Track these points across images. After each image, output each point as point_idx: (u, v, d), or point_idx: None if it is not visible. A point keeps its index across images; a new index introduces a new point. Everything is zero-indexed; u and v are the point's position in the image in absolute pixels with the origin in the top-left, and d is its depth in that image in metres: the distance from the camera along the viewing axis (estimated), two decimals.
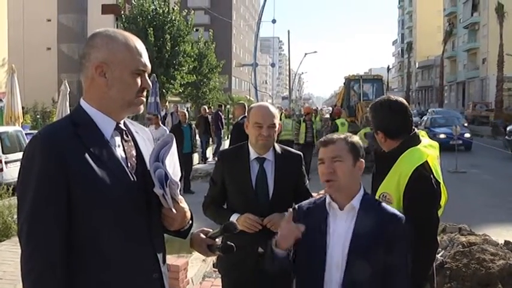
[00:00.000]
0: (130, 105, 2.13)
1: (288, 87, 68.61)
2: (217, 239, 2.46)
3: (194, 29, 35.72)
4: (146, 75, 2.17)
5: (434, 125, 27.88)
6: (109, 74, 2.07)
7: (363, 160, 2.68)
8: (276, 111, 3.65)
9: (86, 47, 2.11)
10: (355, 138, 2.71)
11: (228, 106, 38.87)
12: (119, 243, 2.03)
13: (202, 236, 2.44)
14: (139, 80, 2.13)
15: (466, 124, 30.79)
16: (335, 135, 2.72)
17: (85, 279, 1.99)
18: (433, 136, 22.67)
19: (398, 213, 2.67)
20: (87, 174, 1.96)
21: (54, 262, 1.91)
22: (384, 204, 2.72)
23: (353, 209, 2.61)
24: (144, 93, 2.18)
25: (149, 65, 2.18)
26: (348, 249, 2.54)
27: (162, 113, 21.26)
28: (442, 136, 23.81)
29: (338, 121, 19.22)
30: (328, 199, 2.67)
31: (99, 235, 2.00)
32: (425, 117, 33.06)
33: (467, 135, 25.83)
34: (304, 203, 2.89)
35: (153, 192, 2.10)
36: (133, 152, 2.18)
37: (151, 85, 2.21)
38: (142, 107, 2.19)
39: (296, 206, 2.86)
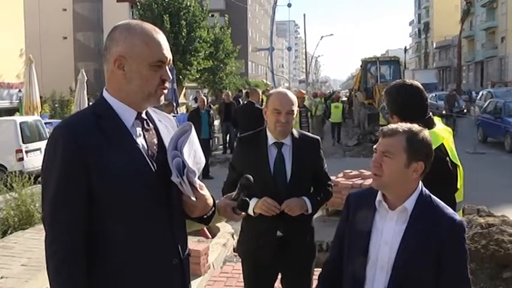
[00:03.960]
0: (150, 98, 2.15)
1: (304, 70, 68.21)
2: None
3: (210, 15, 35.65)
4: (167, 66, 2.17)
5: (508, 114, 18.93)
6: (127, 67, 2.10)
7: (423, 163, 2.40)
8: (294, 98, 3.66)
9: (107, 39, 2.15)
10: (422, 136, 2.41)
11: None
12: (138, 230, 2.09)
13: (226, 200, 2.50)
14: (158, 72, 2.13)
15: None
16: (400, 128, 2.42)
17: (104, 264, 2.06)
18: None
19: (456, 217, 2.44)
20: (108, 164, 2.01)
21: (76, 247, 1.99)
22: (441, 205, 2.46)
23: (405, 211, 2.41)
24: (166, 85, 2.18)
25: (169, 56, 2.17)
26: (396, 253, 2.38)
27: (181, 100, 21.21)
28: None
29: (333, 104, 21.16)
30: (379, 196, 2.49)
31: (120, 222, 2.06)
32: (481, 102, 25.02)
33: None
34: (358, 192, 2.78)
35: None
36: (155, 141, 2.22)
37: (170, 76, 2.21)
38: (163, 99, 2.21)
39: (348, 194, 2.73)
